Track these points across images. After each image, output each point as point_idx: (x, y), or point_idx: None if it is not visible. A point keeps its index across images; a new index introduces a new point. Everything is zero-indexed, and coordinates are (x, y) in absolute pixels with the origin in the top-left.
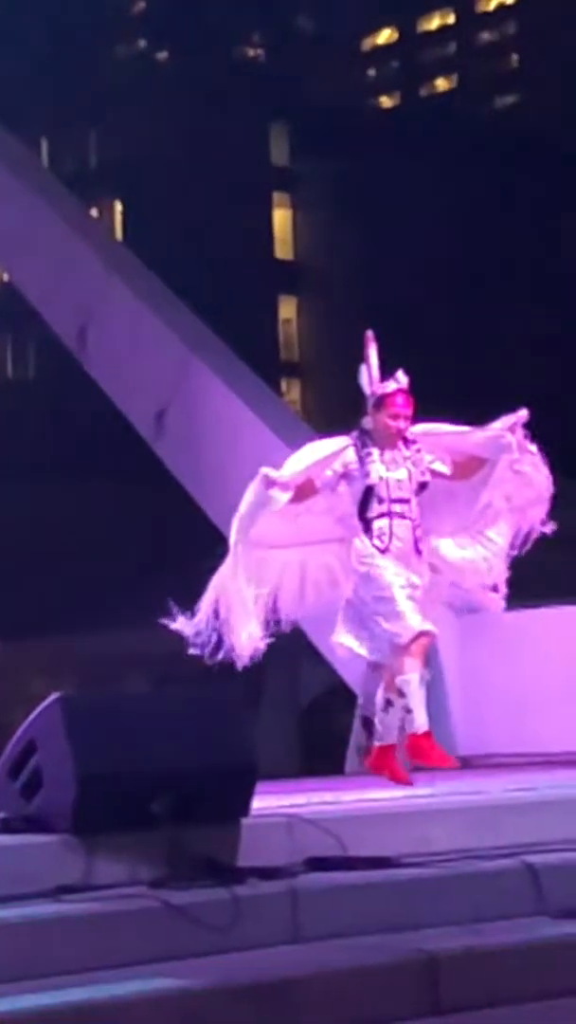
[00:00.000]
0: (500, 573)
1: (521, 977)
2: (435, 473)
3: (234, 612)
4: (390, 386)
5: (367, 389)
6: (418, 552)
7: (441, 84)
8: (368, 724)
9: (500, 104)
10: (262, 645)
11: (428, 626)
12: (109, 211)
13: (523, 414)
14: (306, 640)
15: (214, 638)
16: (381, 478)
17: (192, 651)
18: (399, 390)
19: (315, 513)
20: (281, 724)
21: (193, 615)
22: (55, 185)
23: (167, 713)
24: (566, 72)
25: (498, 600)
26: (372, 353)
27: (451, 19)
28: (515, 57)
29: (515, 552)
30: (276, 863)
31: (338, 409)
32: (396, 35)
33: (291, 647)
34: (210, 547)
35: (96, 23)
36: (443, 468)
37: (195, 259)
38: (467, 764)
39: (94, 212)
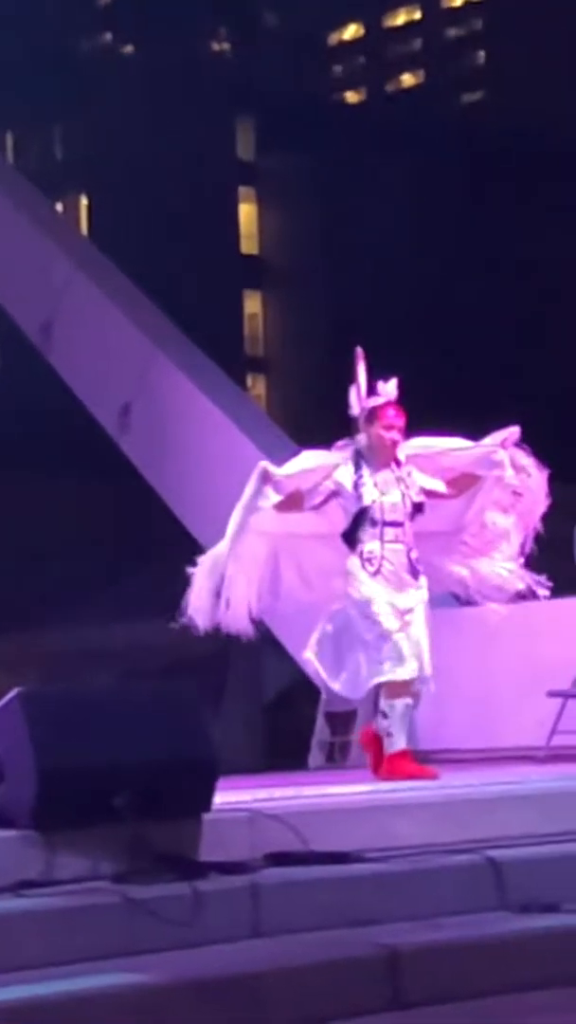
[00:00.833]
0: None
1: (482, 972)
2: (430, 493)
3: (228, 585)
4: (379, 399)
5: (356, 407)
6: (414, 575)
7: (407, 80)
8: (331, 719)
9: (466, 100)
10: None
11: (414, 672)
12: (74, 206)
13: (515, 430)
14: (270, 635)
15: (209, 610)
16: (375, 501)
17: (189, 623)
18: (389, 402)
19: (312, 514)
20: (244, 719)
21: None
22: (20, 180)
23: (128, 708)
24: (532, 69)
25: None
26: (361, 370)
27: (417, 15)
28: (481, 53)
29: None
30: (238, 858)
31: (303, 404)
32: (362, 31)
33: (254, 642)
34: (172, 544)
35: (62, 16)
36: (439, 487)
37: (160, 254)
38: (429, 760)
39: (59, 207)
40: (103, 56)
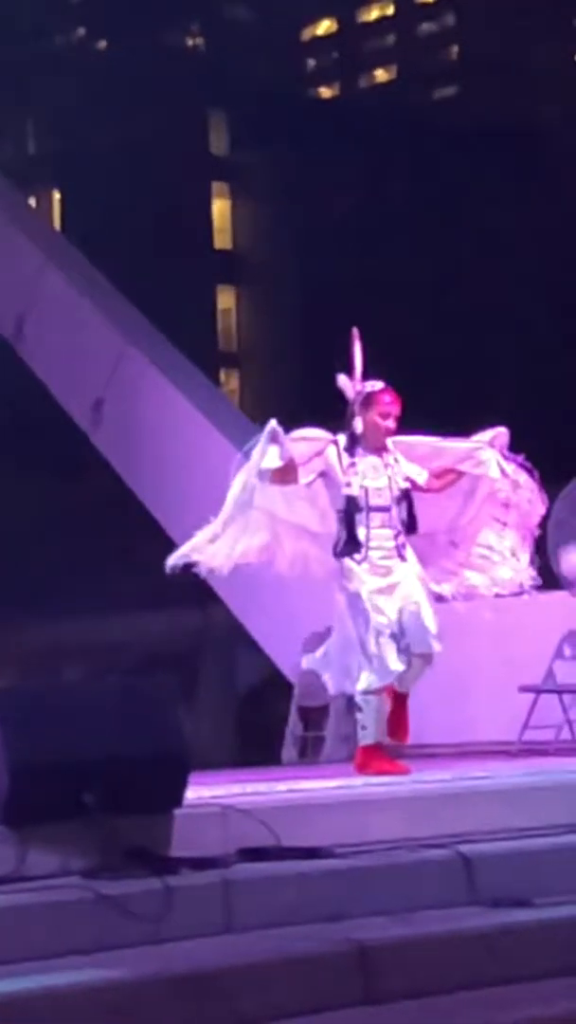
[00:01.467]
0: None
1: (453, 966)
2: (413, 483)
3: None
4: (377, 384)
5: (351, 390)
6: (402, 558)
7: (380, 75)
8: (304, 714)
9: (439, 95)
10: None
11: (399, 670)
12: (47, 200)
13: (503, 431)
14: (243, 631)
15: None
16: (362, 487)
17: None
18: (387, 388)
19: (303, 498)
20: (217, 714)
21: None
22: None
23: (100, 703)
24: (505, 64)
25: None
26: (357, 351)
27: (390, 10)
28: (454, 49)
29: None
30: (209, 853)
31: (276, 399)
32: (335, 26)
33: (227, 637)
34: (146, 541)
35: (34, 11)
36: (423, 478)
37: (133, 249)
38: (403, 754)
39: (32, 201)
40: (76, 50)
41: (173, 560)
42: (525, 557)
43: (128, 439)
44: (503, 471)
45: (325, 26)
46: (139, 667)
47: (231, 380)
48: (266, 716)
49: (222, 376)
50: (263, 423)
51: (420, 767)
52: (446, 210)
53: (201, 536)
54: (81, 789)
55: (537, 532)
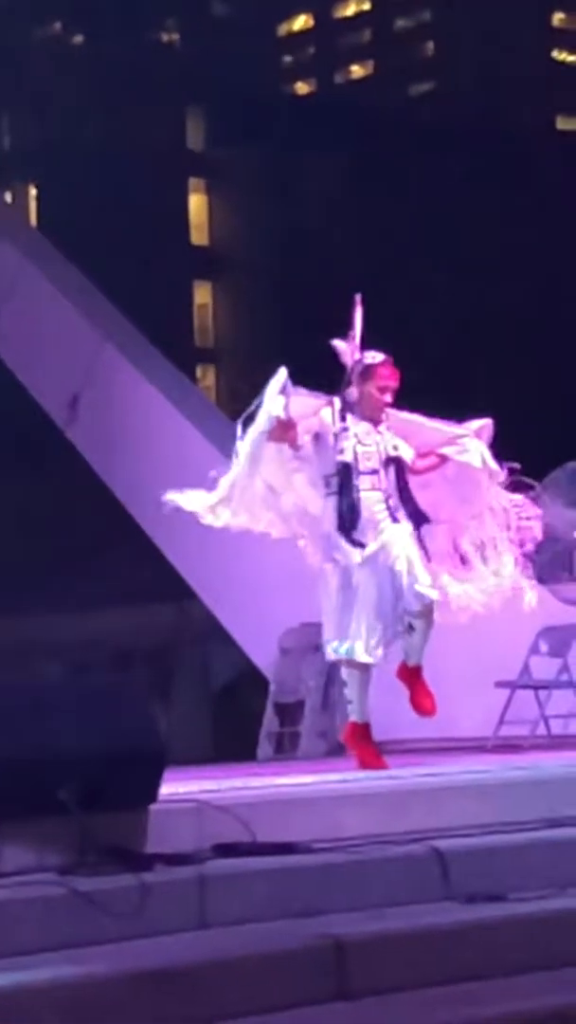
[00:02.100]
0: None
1: (428, 962)
2: (398, 457)
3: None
4: (378, 356)
5: (348, 356)
6: (394, 520)
7: (357, 71)
8: (280, 710)
9: (415, 91)
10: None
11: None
12: (23, 195)
13: (488, 423)
14: (218, 626)
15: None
16: (354, 453)
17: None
18: (388, 361)
19: (300, 471)
20: (193, 710)
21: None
22: None
23: (75, 700)
24: (481, 60)
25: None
26: (358, 318)
27: (367, 6)
28: (431, 45)
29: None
30: (184, 849)
31: (252, 395)
32: (311, 21)
33: (203, 633)
34: (121, 536)
35: (11, 5)
36: (406, 453)
37: (110, 244)
38: (380, 750)
39: (8, 196)
40: (53, 46)
41: (172, 499)
42: (508, 573)
43: (104, 435)
44: (484, 462)
45: (301, 22)
46: (114, 663)
47: (207, 376)
48: (242, 712)
49: (198, 372)
50: (239, 419)
51: (395, 763)
52: (423, 206)
53: (210, 497)
54: (56, 785)
55: (533, 541)
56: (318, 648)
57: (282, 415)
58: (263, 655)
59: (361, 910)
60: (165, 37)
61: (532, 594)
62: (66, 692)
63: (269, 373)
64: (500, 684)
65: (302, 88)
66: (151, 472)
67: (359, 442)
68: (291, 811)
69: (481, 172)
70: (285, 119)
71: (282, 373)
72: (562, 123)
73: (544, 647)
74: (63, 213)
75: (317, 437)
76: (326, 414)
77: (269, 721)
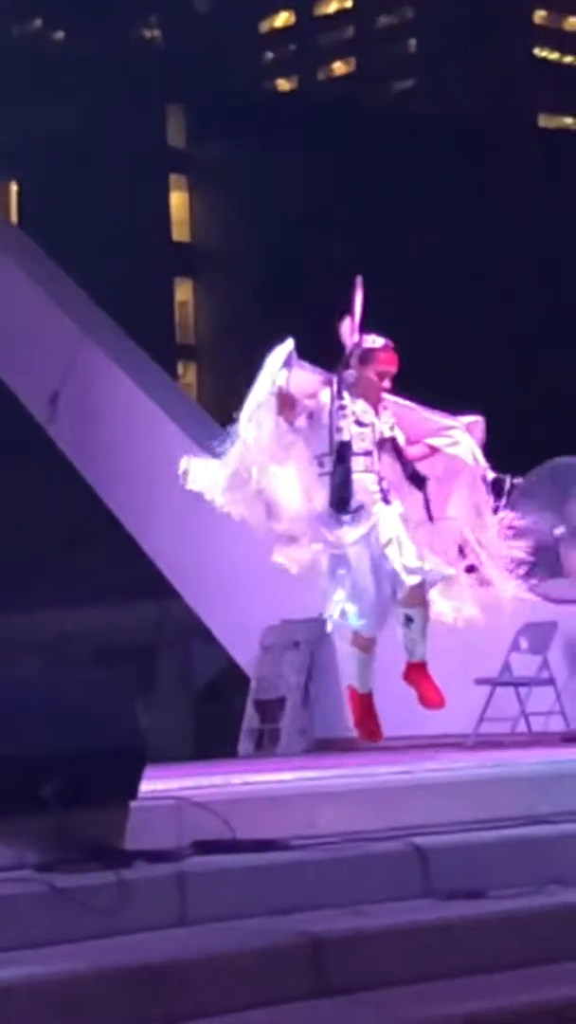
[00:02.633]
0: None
1: (407, 959)
2: (393, 439)
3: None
4: (378, 340)
5: (348, 339)
6: (386, 502)
7: (339, 68)
8: (261, 707)
9: (397, 88)
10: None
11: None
12: (4, 193)
13: (479, 420)
14: (199, 623)
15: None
16: (350, 434)
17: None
18: (388, 346)
19: (295, 458)
20: (174, 707)
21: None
22: None
23: (56, 696)
24: (463, 57)
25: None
26: (358, 301)
27: (348, 3)
28: (412, 42)
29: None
30: (164, 846)
31: (233, 392)
32: (293, 18)
33: (184, 630)
34: (100, 533)
35: None
36: (400, 438)
37: (91, 241)
38: (355, 747)
39: None
40: (33, 42)
41: (185, 465)
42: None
43: (84, 432)
44: (475, 459)
45: (283, 19)
46: (95, 660)
47: (188, 373)
48: (222, 709)
49: (179, 369)
50: (220, 415)
51: (376, 759)
52: (405, 202)
53: (219, 475)
54: (37, 782)
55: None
56: (298, 645)
57: (283, 385)
58: (244, 652)
59: (340, 907)
60: (147, 34)
61: (512, 593)
62: (47, 689)
63: (250, 369)
64: (480, 681)
65: (284, 85)
66: (132, 469)
67: (356, 422)
68: (271, 808)
69: (463, 169)
70: (267, 116)
71: (288, 344)
72: (544, 120)
73: (524, 644)
74: (44, 210)
75: (312, 416)
76: (324, 395)
77: (249, 718)
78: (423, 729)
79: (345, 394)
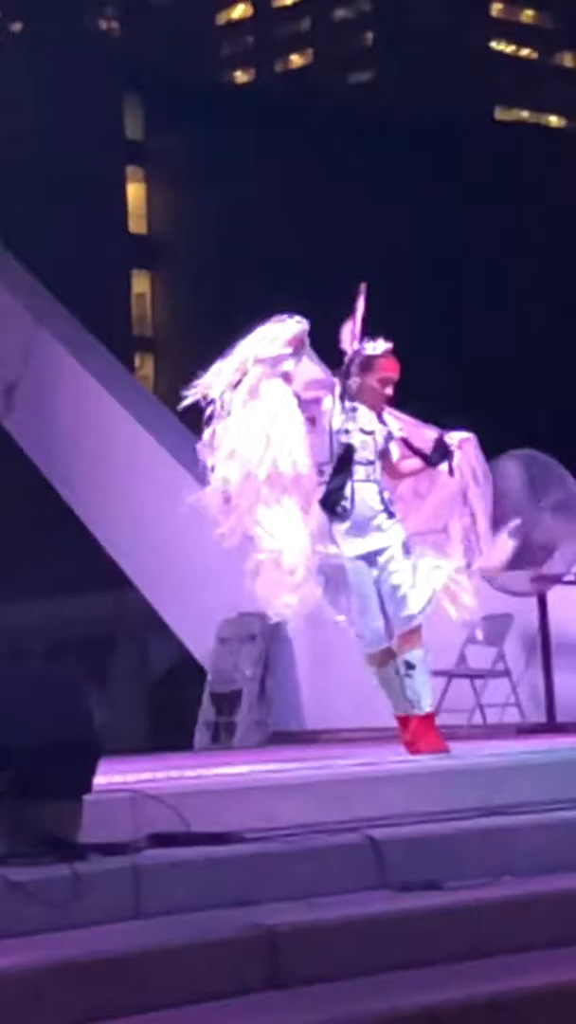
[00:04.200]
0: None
1: (362, 951)
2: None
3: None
4: (380, 346)
5: (349, 345)
6: (389, 515)
7: (296, 60)
8: (217, 699)
9: (354, 80)
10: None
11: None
12: None
13: (471, 436)
14: (155, 615)
15: None
16: (354, 442)
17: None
18: (389, 351)
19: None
20: (130, 699)
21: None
22: None
23: (9, 689)
24: (419, 50)
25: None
26: (360, 307)
27: None
28: (369, 35)
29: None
30: (119, 839)
31: (191, 384)
32: (251, 10)
33: (140, 622)
34: (54, 524)
35: None
36: (395, 451)
37: (47, 233)
38: (313, 739)
39: None
40: None
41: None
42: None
43: (40, 424)
44: (461, 474)
45: (240, 10)
46: (50, 652)
47: (146, 365)
48: (179, 702)
49: (136, 361)
50: (177, 408)
51: (330, 752)
52: (361, 195)
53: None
54: None
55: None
56: (255, 638)
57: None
58: (200, 645)
59: (295, 899)
60: (104, 25)
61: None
62: (1, 681)
63: (207, 362)
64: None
65: (241, 77)
66: (87, 461)
67: (361, 430)
68: (226, 801)
69: (419, 161)
70: (224, 108)
71: (300, 325)
72: (500, 113)
73: (480, 636)
74: None
75: (313, 421)
76: (327, 403)
77: (206, 710)
78: (379, 721)
79: (348, 402)
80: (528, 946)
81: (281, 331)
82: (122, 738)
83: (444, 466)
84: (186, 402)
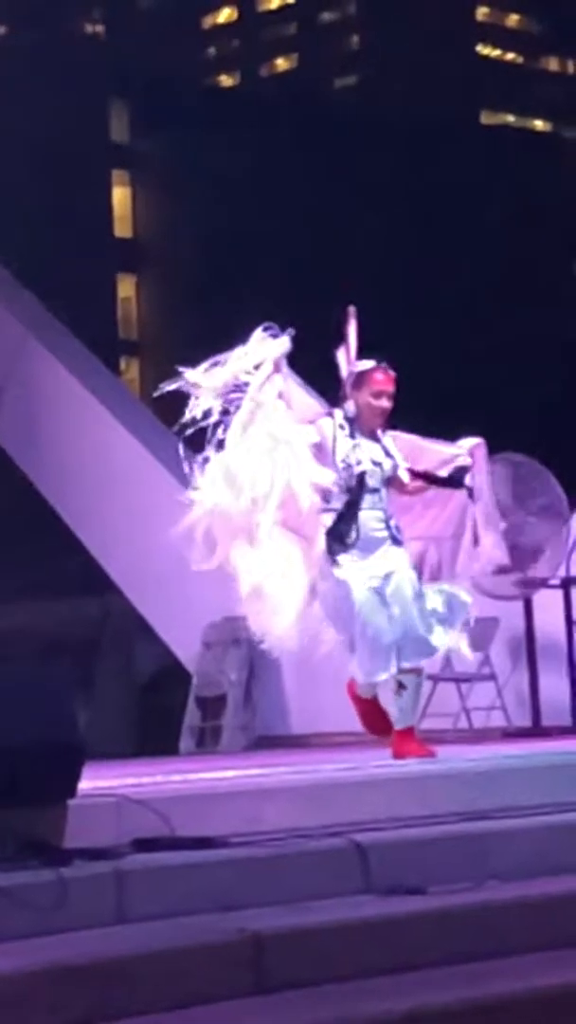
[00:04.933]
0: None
1: (347, 955)
2: (397, 478)
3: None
4: (367, 363)
5: (344, 367)
6: (396, 542)
7: (281, 64)
8: (202, 704)
9: (340, 84)
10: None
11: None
12: None
13: (481, 442)
14: (141, 619)
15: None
16: (362, 467)
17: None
18: (379, 367)
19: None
20: (115, 704)
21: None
22: None
23: None
24: (405, 54)
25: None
26: (351, 330)
27: None
28: (355, 38)
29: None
30: (103, 844)
31: (177, 388)
32: (236, 14)
33: (126, 626)
34: (40, 528)
35: None
36: (404, 475)
37: (33, 237)
38: (299, 743)
39: None
40: None
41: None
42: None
43: (26, 428)
44: (471, 495)
45: (226, 14)
46: (36, 656)
47: (131, 368)
48: (164, 706)
49: (122, 364)
50: (162, 411)
51: (316, 756)
52: (347, 199)
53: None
54: None
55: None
56: (240, 642)
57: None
58: (186, 649)
59: (280, 904)
60: (90, 28)
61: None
62: None
63: (192, 365)
64: None
65: (227, 81)
66: (73, 464)
67: (371, 460)
68: (211, 805)
69: (405, 166)
70: (209, 112)
71: (283, 342)
72: (487, 118)
73: (466, 640)
74: None
75: (318, 447)
76: (327, 425)
77: (191, 715)
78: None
79: (342, 432)
80: (513, 950)
81: (272, 350)
82: (107, 742)
83: (463, 491)
84: (165, 390)
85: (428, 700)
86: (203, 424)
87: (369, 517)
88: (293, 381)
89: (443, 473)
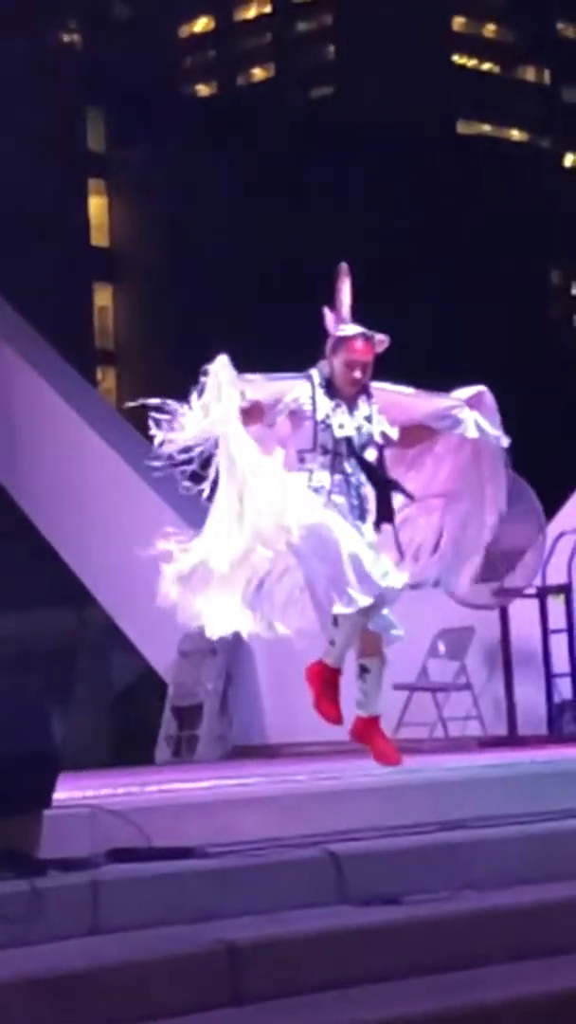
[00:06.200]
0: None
1: (323, 965)
2: (384, 438)
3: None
4: (350, 329)
5: (330, 326)
6: (362, 515)
7: (258, 74)
8: (178, 713)
9: (316, 95)
10: None
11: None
12: None
13: (483, 390)
14: (117, 629)
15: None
16: (338, 426)
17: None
18: (360, 334)
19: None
20: (91, 714)
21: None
22: None
23: None
24: (382, 64)
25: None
26: (343, 288)
27: (268, 9)
28: (331, 48)
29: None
30: (79, 854)
31: (153, 398)
32: (213, 23)
33: (101, 636)
34: (15, 536)
35: None
36: (392, 432)
37: (8, 246)
38: (275, 752)
39: None
40: None
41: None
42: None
43: (1, 438)
44: (482, 431)
45: (202, 24)
46: (10, 666)
47: (108, 378)
48: (140, 715)
49: (98, 374)
50: (139, 421)
51: (293, 765)
52: (323, 209)
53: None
54: None
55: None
56: (216, 651)
57: (242, 403)
58: (161, 658)
59: (256, 914)
60: (66, 38)
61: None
62: None
63: (169, 375)
64: (398, 686)
65: (203, 90)
66: (49, 474)
67: (356, 427)
68: (187, 815)
69: (381, 176)
70: (186, 121)
71: (222, 360)
72: (463, 127)
73: (442, 649)
74: None
75: (293, 413)
76: (304, 388)
77: (167, 724)
78: (340, 735)
79: (321, 391)
80: (488, 960)
81: (221, 382)
82: (82, 752)
83: (465, 426)
84: (137, 404)
85: (404, 710)
86: (181, 459)
87: (339, 484)
88: (250, 376)
89: (437, 425)
